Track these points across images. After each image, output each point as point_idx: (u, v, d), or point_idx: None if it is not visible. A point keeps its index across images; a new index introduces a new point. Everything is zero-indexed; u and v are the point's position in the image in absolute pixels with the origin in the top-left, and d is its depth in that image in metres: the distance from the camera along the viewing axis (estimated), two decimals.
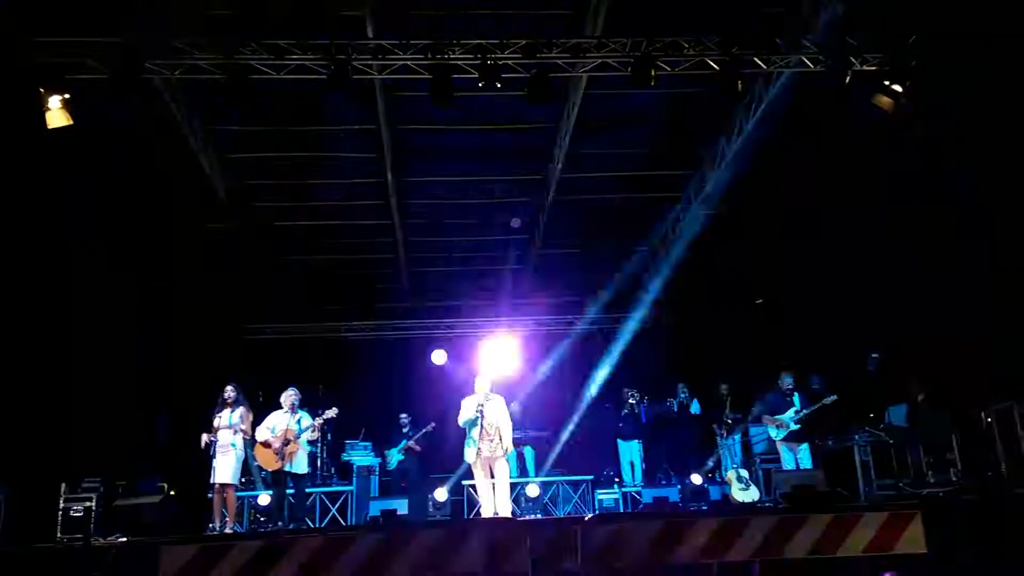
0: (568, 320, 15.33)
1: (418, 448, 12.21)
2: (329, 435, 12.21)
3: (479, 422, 8.75)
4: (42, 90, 7.81)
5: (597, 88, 9.40)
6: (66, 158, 8.97)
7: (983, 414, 9.13)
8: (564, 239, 13.41)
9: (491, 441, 8.75)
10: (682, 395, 12.77)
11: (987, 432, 9.05)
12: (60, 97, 7.86)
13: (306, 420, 9.75)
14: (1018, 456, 8.47)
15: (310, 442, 10.00)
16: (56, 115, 7.86)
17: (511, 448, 8.93)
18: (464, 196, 12.25)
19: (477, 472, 8.90)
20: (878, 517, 5.68)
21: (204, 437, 9.33)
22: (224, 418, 9.37)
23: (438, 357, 14.71)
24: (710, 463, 11.67)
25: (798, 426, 10.15)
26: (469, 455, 8.86)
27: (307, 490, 10.45)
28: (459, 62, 8.16)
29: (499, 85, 8.06)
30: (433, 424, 12.15)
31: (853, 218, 10.73)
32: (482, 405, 8.81)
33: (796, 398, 10.30)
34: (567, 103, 9.82)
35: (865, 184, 10.32)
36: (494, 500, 8.85)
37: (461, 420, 8.93)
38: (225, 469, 9.19)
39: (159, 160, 10.30)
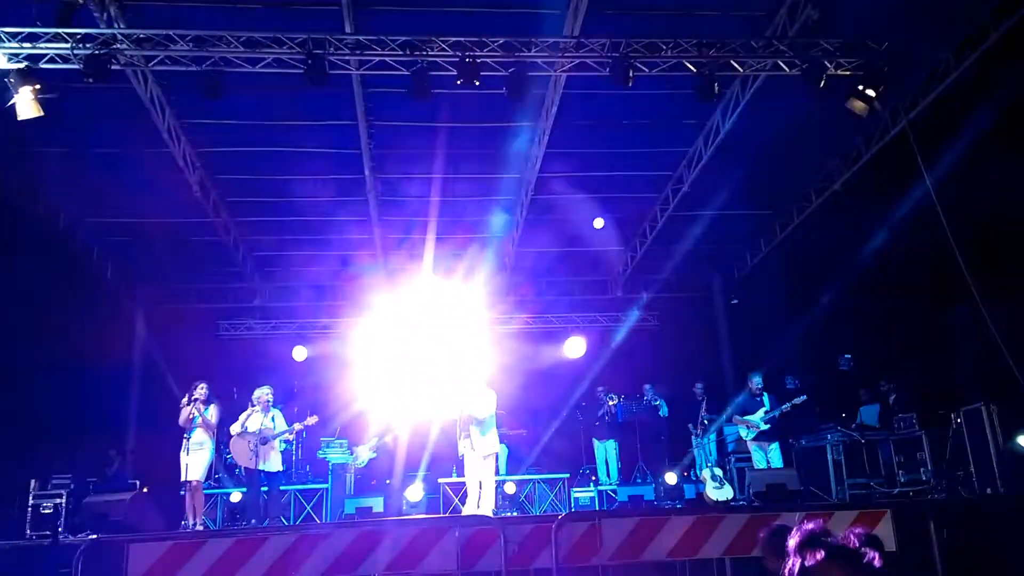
0: (545, 319, 15.33)
1: (391, 445, 12.01)
2: (304, 433, 12.05)
3: (461, 417, 8.73)
4: (11, 81, 7.64)
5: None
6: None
7: (953, 415, 9.27)
8: (541, 239, 13.40)
9: (467, 437, 8.69)
10: (648, 397, 12.76)
11: (957, 433, 9.19)
12: (31, 88, 7.70)
13: (279, 417, 9.73)
14: (987, 456, 8.60)
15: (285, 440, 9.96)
16: (26, 106, 7.70)
17: (488, 449, 8.65)
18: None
19: (467, 465, 8.84)
20: (848, 515, 5.77)
21: (183, 407, 9.18)
22: (197, 414, 9.25)
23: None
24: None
25: (767, 426, 10.24)
26: (460, 447, 8.83)
27: (281, 487, 10.36)
28: (438, 59, 8.12)
29: (477, 83, 8.03)
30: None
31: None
32: (463, 400, 8.76)
33: (766, 398, 10.39)
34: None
35: None
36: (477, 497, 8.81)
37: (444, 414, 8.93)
38: (197, 466, 9.10)
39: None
